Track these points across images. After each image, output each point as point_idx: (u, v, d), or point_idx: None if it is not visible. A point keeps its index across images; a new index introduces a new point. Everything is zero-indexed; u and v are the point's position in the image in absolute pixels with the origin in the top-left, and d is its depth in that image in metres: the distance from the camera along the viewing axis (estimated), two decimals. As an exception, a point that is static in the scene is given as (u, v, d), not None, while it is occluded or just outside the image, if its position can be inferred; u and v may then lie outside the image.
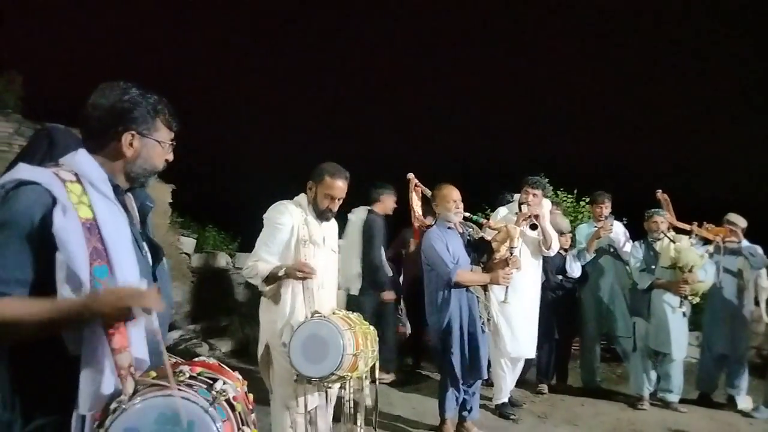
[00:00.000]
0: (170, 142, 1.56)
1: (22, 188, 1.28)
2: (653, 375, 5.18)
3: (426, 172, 5.04)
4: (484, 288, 4.13)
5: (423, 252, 4.03)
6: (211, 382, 1.32)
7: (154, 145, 1.50)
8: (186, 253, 6.97)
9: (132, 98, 1.46)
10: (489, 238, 4.25)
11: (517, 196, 5.01)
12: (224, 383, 1.33)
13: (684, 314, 5.02)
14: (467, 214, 4.21)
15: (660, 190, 5.51)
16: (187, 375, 1.31)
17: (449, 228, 4.06)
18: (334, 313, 2.88)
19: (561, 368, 5.70)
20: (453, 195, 4.03)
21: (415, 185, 4.96)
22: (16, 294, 1.23)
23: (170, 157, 1.58)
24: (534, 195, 4.71)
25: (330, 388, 2.90)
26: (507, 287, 4.07)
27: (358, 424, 3.02)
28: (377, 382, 3.06)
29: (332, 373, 2.66)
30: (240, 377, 1.47)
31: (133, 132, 1.46)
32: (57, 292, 1.24)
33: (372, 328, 3.06)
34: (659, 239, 5.15)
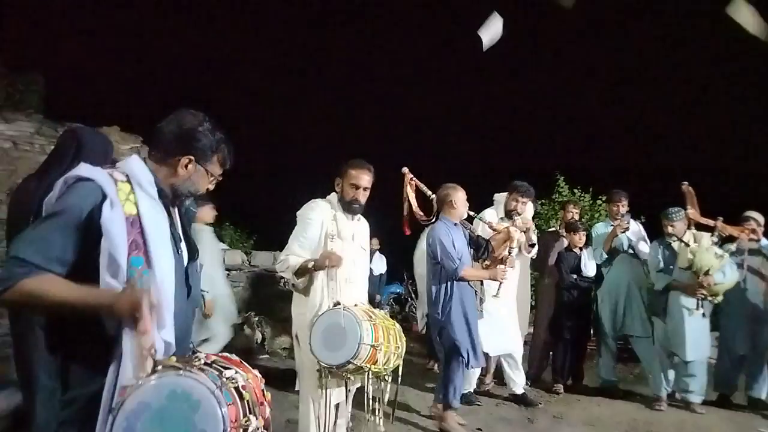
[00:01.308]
0: (218, 176, 1.79)
1: (80, 183, 1.49)
2: (671, 375, 5.12)
3: (440, 173, 5.03)
4: (480, 283, 4.39)
5: (430, 246, 4.15)
6: (223, 369, 1.45)
7: (204, 174, 1.73)
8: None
9: (203, 131, 1.70)
10: (488, 237, 4.43)
11: (497, 196, 5.14)
12: (236, 372, 1.45)
13: (704, 315, 4.94)
14: (472, 213, 4.37)
15: (686, 183, 5.31)
16: (202, 361, 1.45)
17: (455, 225, 4.22)
18: (356, 305, 2.94)
19: (577, 368, 5.66)
20: (463, 196, 4.24)
21: (410, 179, 4.97)
22: (55, 271, 1.42)
23: (212, 187, 1.80)
24: (524, 203, 4.88)
25: (350, 378, 2.93)
26: (501, 283, 4.28)
27: (377, 415, 3.05)
28: (399, 380, 3.10)
29: (349, 361, 2.73)
30: (258, 374, 1.58)
31: (191, 157, 1.68)
32: (99, 275, 1.43)
33: (397, 325, 3.11)
34: (677, 240, 5.08)
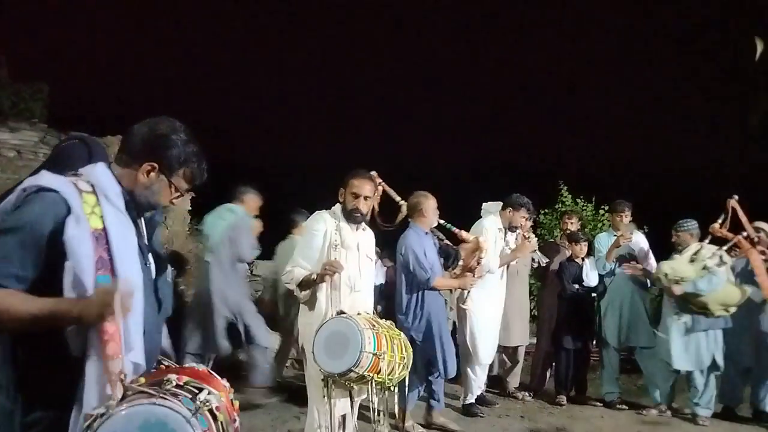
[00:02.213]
0: (182, 192, 1.64)
1: (41, 194, 1.37)
2: (669, 387, 5.12)
3: (441, 182, 5.06)
4: (450, 291, 4.53)
5: (402, 255, 4.19)
6: (197, 391, 1.37)
7: (167, 186, 1.58)
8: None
9: (175, 140, 1.57)
10: (459, 247, 4.54)
11: (488, 205, 5.20)
12: (209, 393, 1.38)
13: (686, 324, 4.93)
14: (441, 222, 4.41)
15: (735, 197, 5.15)
16: (174, 383, 1.35)
17: (425, 233, 4.28)
18: (359, 314, 2.94)
19: (580, 379, 5.63)
20: (434, 204, 4.30)
21: (378, 183, 4.96)
22: (12, 288, 1.31)
23: (176, 202, 1.67)
24: (527, 219, 5.00)
25: (353, 388, 2.92)
26: (469, 292, 4.45)
27: (382, 425, 3.06)
28: (406, 391, 3.19)
29: (350, 369, 2.71)
30: (227, 385, 1.53)
31: (155, 165, 1.54)
32: (63, 295, 1.32)
33: (403, 335, 3.11)
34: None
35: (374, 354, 2.75)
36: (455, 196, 5.53)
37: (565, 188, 10.61)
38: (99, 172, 1.49)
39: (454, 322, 5.35)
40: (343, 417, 3.01)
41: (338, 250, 3.07)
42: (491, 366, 5.33)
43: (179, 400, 1.29)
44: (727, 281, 4.83)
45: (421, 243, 4.17)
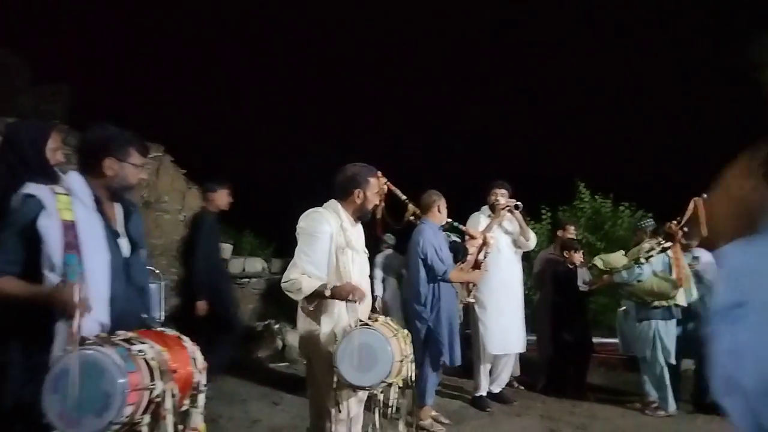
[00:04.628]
0: (142, 165, 2.13)
1: (27, 199, 1.93)
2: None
3: (458, 180, 5.14)
4: (460, 284, 4.73)
5: (418, 248, 4.31)
6: (136, 344, 1.80)
7: (128, 167, 2.09)
8: (224, 259, 7.09)
9: (110, 134, 2.08)
10: (467, 242, 4.81)
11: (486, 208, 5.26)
12: (150, 347, 1.81)
13: (626, 312, 5.31)
14: (449, 220, 4.65)
15: (704, 195, 5.08)
16: (120, 338, 1.83)
17: (439, 229, 4.51)
18: (376, 320, 2.86)
19: (579, 380, 5.66)
20: (444, 203, 4.54)
21: (384, 183, 5.04)
22: (12, 272, 1.88)
23: (144, 176, 2.17)
24: (502, 194, 5.06)
25: (375, 394, 2.86)
26: (475, 285, 4.72)
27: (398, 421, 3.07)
28: (413, 385, 3.09)
29: (383, 381, 2.67)
30: (193, 352, 2.00)
31: (112, 158, 2.05)
32: (41, 269, 1.85)
33: (406, 330, 3.06)
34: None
35: (399, 361, 2.73)
36: (472, 195, 5.53)
37: (582, 185, 10.51)
38: (73, 180, 2.01)
39: (462, 314, 5.48)
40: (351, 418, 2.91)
41: (346, 253, 2.84)
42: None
43: (114, 349, 1.73)
44: (652, 274, 5.03)
45: (436, 238, 4.35)
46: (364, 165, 3.06)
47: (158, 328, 2.09)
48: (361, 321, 2.73)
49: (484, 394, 5.02)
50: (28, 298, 1.85)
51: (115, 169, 2.05)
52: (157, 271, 5.03)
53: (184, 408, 1.96)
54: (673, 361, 5.05)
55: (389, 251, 7.12)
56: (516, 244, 5.20)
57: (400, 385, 2.89)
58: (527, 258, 6.35)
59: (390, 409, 2.93)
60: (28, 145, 2.55)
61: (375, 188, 3.05)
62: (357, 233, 3.03)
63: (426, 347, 4.30)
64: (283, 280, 2.86)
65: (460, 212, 5.06)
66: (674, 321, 5.12)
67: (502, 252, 5.03)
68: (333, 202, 2.97)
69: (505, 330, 4.97)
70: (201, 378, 1.99)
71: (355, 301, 2.72)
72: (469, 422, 4.62)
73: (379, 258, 7.02)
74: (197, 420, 2.00)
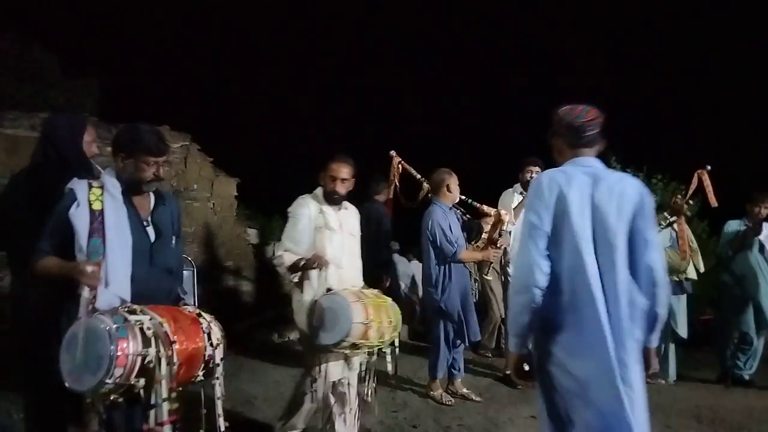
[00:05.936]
0: (152, 162, 2.29)
1: (67, 193, 2.25)
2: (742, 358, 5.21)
3: (480, 164, 5.09)
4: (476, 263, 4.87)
5: (428, 229, 4.36)
6: (135, 315, 2.03)
7: (137, 164, 2.28)
8: (253, 244, 7.20)
9: (128, 133, 2.30)
10: (481, 221, 4.86)
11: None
12: (150, 318, 2.03)
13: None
14: (462, 197, 4.63)
15: (707, 167, 5.41)
16: (126, 309, 2.06)
17: (449, 209, 4.50)
18: (345, 289, 3.17)
19: None
20: (456, 181, 4.50)
21: (399, 162, 5.13)
22: (55, 253, 2.22)
23: (159, 172, 2.32)
24: (536, 171, 4.92)
25: (346, 354, 3.15)
26: (491, 264, 4.69)
27: (368, 385, 3.35)
28: (397, 351, 3.34)
29: (342, 340, 2.95)
30: (208, 329, 2.20)
31: (122, 155, 2.29)
32: (75, 251, 2.16)
33: (389, 300, 3.31)
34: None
35: (363, 323, 2.98)
36: (504, 168, 5.51)
37: (614, 158, 10.29)
38: (106, 175, 2.33)
39: (477, 292, 5.56)
40: (339, 380, 3.21)
41: (323, 232, 3.26)
42: None
43: (112, 319, 1.97)
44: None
45: (446, 218, 4.37)
46: (340, 153, 3.39)
47: (189, 309, 2.32)
48: (329, 289, 3.15)
49: None
50: (61, 273, 2.17)
51: (126, 165, 2.29)
52: (190, 259, 5.13)
53: (198, 380, 2.21)
54: (684, 335, 5.11)
55: (396, 256, 7.29)
56: None
57: (384, 349, 3.22)
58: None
59: (364, 371, 3.28)
60: (66, 140, 2.77)
61: (332, 172, 3.30)
62: (342, 216, 3.37)
63: (439, 325, 4.44)
64: (273, 258, 3.37)
65: (490, 191, 5.03)
66: (685, 296, 5.06)
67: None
68: (319, 189, 3.40)
69: None
70: (214, 352, 2.19)
71: (319, 268, 3.15)
72: (500, 399, 4.63)
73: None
74: (218, 391, 2.24)
